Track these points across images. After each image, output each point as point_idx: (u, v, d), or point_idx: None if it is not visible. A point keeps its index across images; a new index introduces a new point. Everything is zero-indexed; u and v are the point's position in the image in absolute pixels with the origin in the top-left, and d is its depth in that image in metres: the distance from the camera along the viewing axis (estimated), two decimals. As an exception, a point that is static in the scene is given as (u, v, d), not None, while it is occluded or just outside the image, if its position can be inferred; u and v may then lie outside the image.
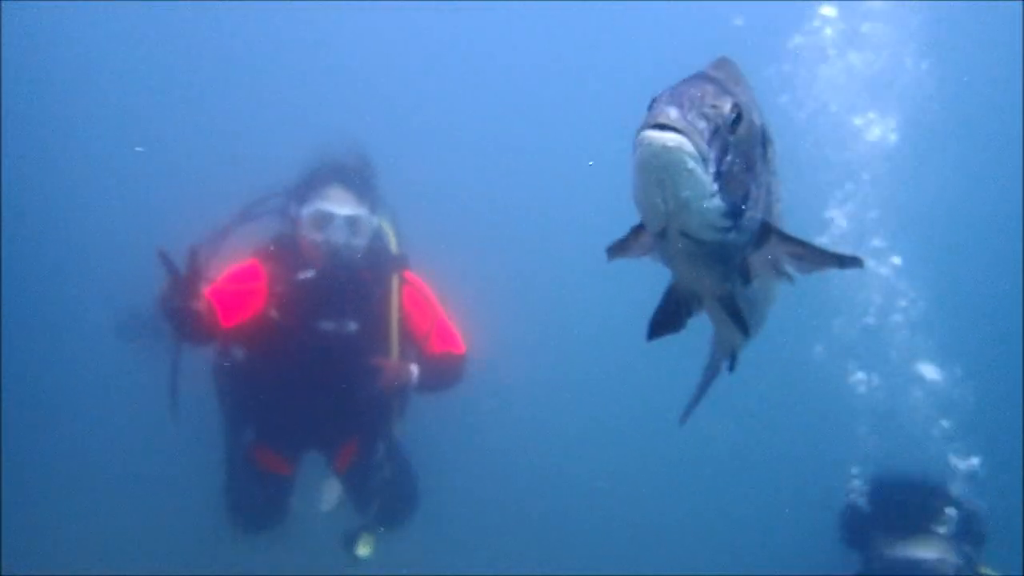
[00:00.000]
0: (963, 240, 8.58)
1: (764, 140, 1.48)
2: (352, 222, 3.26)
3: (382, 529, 3.53)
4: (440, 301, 3.53)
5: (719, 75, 1.42)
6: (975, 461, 3.24)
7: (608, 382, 9.74)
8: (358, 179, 3.36)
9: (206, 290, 3.03)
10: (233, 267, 3.32)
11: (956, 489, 2.62)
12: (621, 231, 1.63)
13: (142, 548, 5.35)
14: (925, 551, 2.46)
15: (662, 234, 1.38)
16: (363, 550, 3.47)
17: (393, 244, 3.49)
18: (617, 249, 1.64)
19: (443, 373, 3.47)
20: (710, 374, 2.26)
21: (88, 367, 7.02)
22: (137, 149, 7.56)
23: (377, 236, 3.45)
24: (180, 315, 2.93)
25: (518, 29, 9.72)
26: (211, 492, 3.67)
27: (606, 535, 6.82)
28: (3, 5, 7.89)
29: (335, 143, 3.43)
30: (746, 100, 1.41)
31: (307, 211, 3.25)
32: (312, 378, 3.30)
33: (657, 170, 1.28)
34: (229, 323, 3.17)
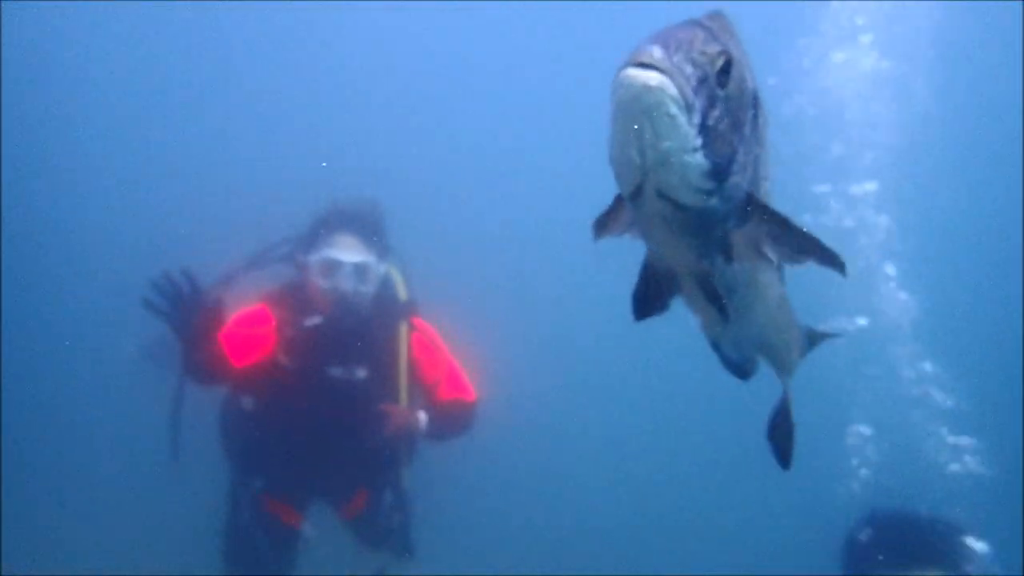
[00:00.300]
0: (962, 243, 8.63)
1: (756, 103, 1.33)
2: (360, 269, 3.27)
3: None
4: (450, 348, 3.53)
5: (712, 25, 1.27)
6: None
7: (619, 421, 9.80)
8: (366, 226, 3.37)
9: (220, 313, 3.07)
10: (242, 311, 3.35)
11: (958, 525, 2.66)
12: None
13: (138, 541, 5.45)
14: None
15: (637, 195, 1.23)
16: None
17: (402, 291, 3.50)
18: (601, 225, 1.47)
19: (453, 420, 3.48)
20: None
21: (95, 391, 7.08)
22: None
23: (385, 283, 3.46)
24: (198, 351, 3.01)
25: (524, 39, 9.67)
26: (208, 536, 3.68)
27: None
28: (3, 5, 7.86)
29: (345, 191, 3.46)
30: (739, 56, 1.28)
31: (315, 258, 3.27)
32: (320, 425, 3.32)
33: (635, 114, 1.14)
34: (240, 364, 3.21)
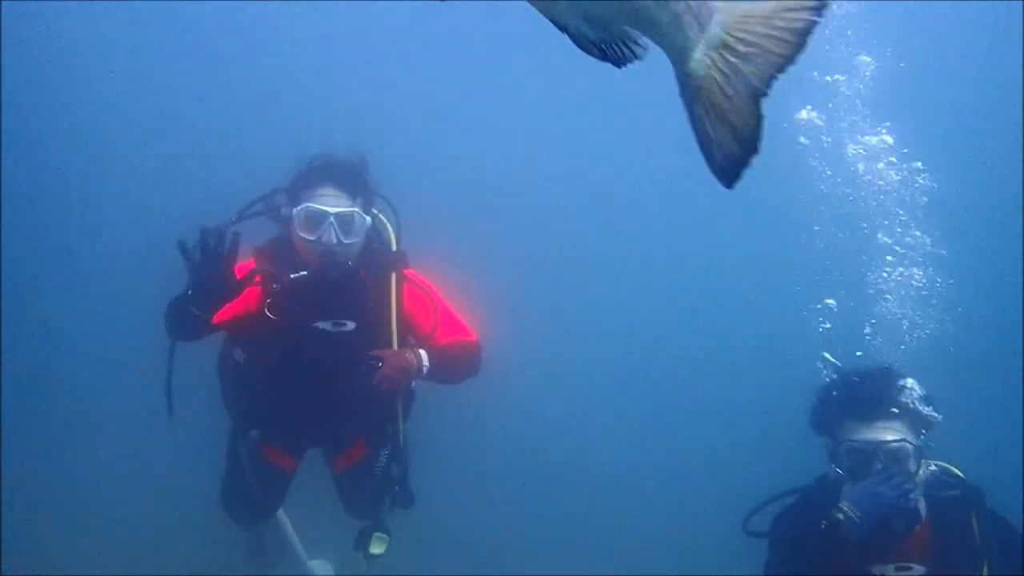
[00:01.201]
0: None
1: None
2: (344, 220, 3.24)
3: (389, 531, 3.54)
4: (446, 296, 3.48)
5: None
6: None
7: (621, 367, 9.89)
8: (350, 177, 3.33)
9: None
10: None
11: (911, 377, 2.76)
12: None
13: (140, 538, 5.46)
14: (886, 433, 2.60)
15: None
16: (376, 548, 3.49)
17: (393, 242, 3.46)
18: None
19: (457, 361, 3.42)
20: None
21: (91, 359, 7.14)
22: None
23: (375, 234, 3.43)
24: (208, 301, 2.98)
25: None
26: (210, 483, 3.74)
27: (606, 527, 6.80)
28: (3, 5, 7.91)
29: (329, 141, 3.43)
30: None
31: (299, 210, 3.25)
32: (311, 377, 3.31)
33: None
34: (218, 319, 3.18)
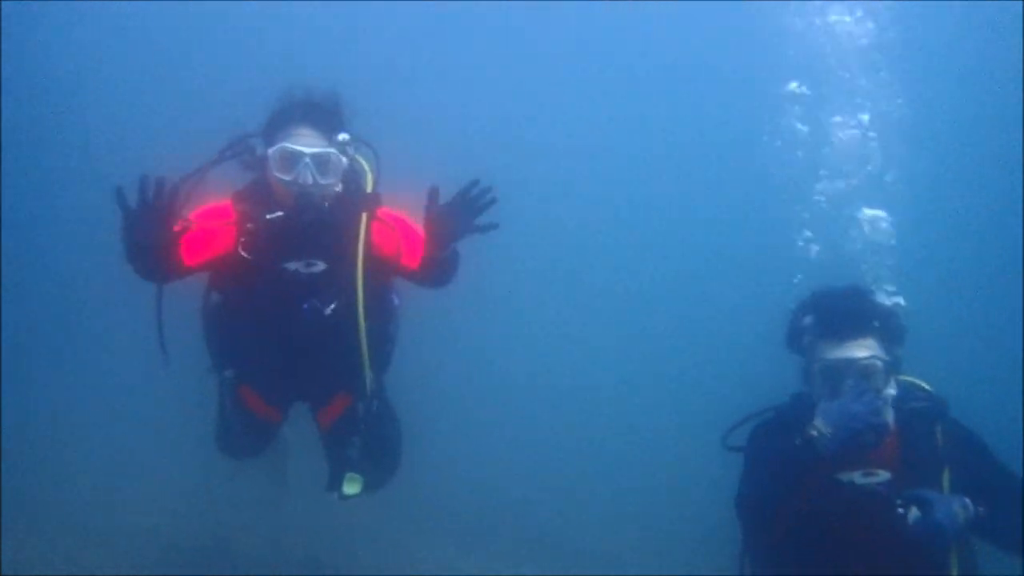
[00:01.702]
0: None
1: None
2: (319, 160, 3.19)
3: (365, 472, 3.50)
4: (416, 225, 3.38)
5: None
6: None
7: (604, 313, 10.01)
8: (325, 116, 3.27)
9: (180, 231, 3.01)
10: (206, 206, 3.30)
11: (881, 294, 2.91)
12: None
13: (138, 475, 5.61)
14: (857, 351, 2.69)
15: None
16: (350, 488, 3.45)
17: (370, 183, 3.41)
18: None
19: (432, 272, 3.34)
20: None
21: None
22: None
23: (351, 175, 3.38)
24: (144, 251, 2.94)
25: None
26: (204, 425, 3.81)
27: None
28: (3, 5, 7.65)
29: (304, 80, 3.33)
30: None
31: (274, 150, 3.20)
32: (280, 318, 3.31)
33: None
34: (192, 261, 3.18)
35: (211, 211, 3.30)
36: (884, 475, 2.70)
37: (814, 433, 2.62)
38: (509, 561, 5.63)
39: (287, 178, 3.19)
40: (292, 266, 3.27)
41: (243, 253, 3.23)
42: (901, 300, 3.54)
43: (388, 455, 3.72)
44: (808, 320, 2.83)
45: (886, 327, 2.79)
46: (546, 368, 9.47)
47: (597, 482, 7.15)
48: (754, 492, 2.81)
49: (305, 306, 3.28)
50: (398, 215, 3.44)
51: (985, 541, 2.73)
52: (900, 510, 2.57)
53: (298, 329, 3.32)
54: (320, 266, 3.29)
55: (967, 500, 2.59)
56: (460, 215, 3.14)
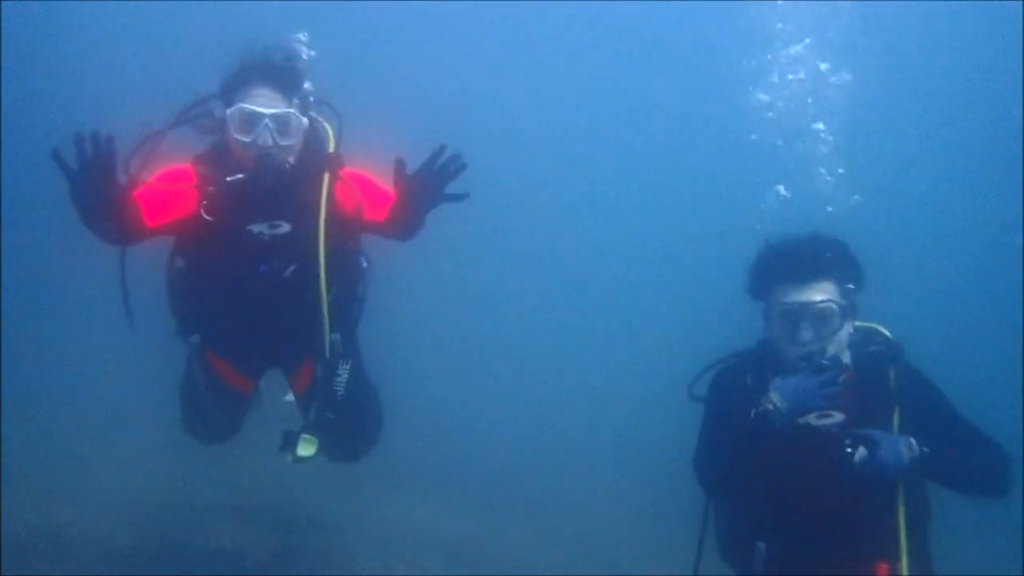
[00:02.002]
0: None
1: None
2: (279, 121, 3.13)
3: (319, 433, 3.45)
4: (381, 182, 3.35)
5: None
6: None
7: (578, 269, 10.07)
8: (284, 76, 3.20)
9: (129, 188, 2.92)
10: (167, 169, 3.24)
11: (837, 237, 2.93)
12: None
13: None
14: (814, 294, 2.77)
15: None
16: (304, 450, 3.39)
17: (332, 144, 3.36)
18: None
19: (399, 222, 3.27)
20: None
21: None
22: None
23: (313, 135, 3.33)
24: (94, 212, 2.86)
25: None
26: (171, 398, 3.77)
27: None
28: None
29: (261, 40, 3.25)
30: None
31: (232, 111, 3.13)
32: (244, 282, 3.27)
33: None
34: (154, 223, 3.13)
35: (172, 173, 3.25)
36: (839, 417, 2.78)
37: (770, 407, 2.70)
38: (489, 520, 5.73)
39: (246, 140, 3.13)
40: (256, 228, 3.22)
41: (205, 216, 3.19)
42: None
43: (360, 421, 3.69)
44: (768, 266, 2.90)
45: (844, 273, 2.85)
46: (528, 330, 9.53)
47: (579, 444, 7.27)
48: (710, 459, 2.91)
49: (262, 268, 3.24)
50: (361, 174, 3.40)
51: (932, 480, 2.82)
52: (848, 449, 2.65)
53: (258, 292, 3.28)
54: (284, 227, 3.24)
55: (912, 440, 2.67)
56: (430, 185, 3.11)
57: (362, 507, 5.32)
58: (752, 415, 2.73)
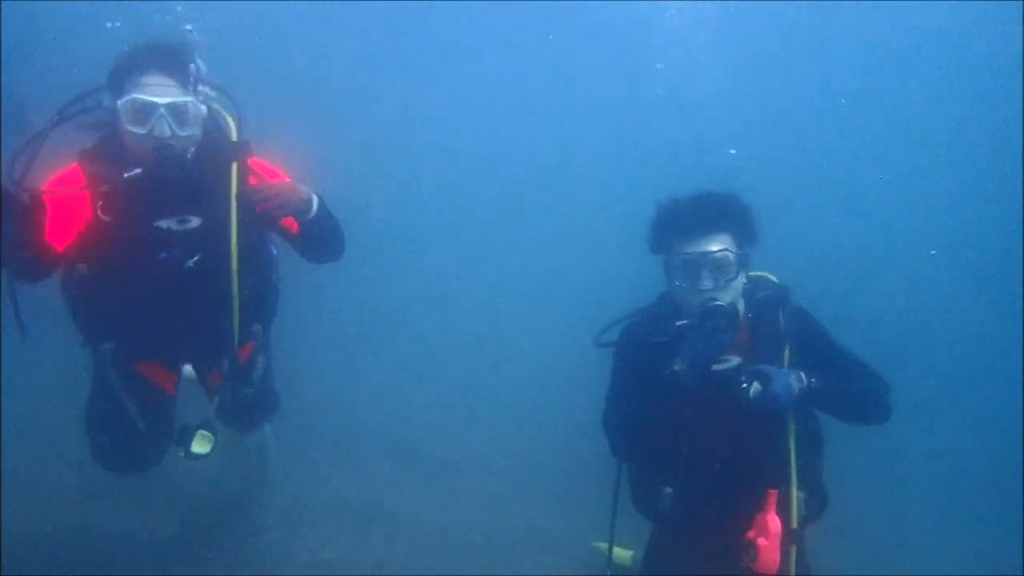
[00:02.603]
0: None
1: None
2: (176, 110, 2.98)
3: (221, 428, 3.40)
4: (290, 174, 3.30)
5: None
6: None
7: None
8: (178, 62, 3.04)
9: (34, 206, 2.60)
10: (53, 176, 3.04)
11: (732, 191, 3.11)
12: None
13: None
14: (711, 245, 2.94)
15: None
16: (199, 447, 3.29)
17: (233, 132, 3.24)
18: None
19: (333, 230, 3.28)
20: None
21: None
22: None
23: (212, 124, 3.20)
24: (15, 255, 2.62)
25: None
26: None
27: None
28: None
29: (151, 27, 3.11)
30: None
31: (124, 102, 2.95)
32: (158, 279, 3.12)
33: None
34: (63, 243, 2.93)
35: (59, 179, 3.04)
36: (736, 360, 3.03)
37: (677, 368, 2.94)
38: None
39: (141, 132, 2.98)
40: (164, 224, 3.09)
41: (103, 216, 3.01)
42: None
43: (259, 410, 3.71)
44: (668, 221, 3.06)
45: (738, 226, 3.05)
46: (430, 292, 9.54)
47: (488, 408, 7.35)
48: (619, 427, 3.11)
49: (163, 255, 3.09)
50: (270, 166, 3.31)
51: (820, 410, 3.11)
52: (744, 385, 2.87)
53: (162, 282, 3.13)
54: (194, 222, 3.11)
55: (802, 373, 2.93)
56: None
57: (268, 478, 5.23)
58: (665, 375, 2.95)
